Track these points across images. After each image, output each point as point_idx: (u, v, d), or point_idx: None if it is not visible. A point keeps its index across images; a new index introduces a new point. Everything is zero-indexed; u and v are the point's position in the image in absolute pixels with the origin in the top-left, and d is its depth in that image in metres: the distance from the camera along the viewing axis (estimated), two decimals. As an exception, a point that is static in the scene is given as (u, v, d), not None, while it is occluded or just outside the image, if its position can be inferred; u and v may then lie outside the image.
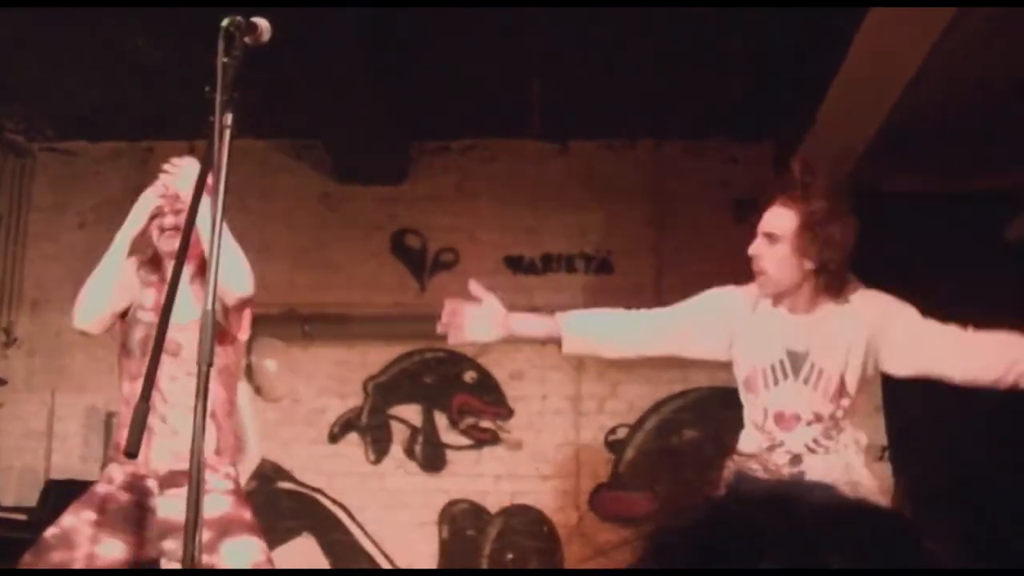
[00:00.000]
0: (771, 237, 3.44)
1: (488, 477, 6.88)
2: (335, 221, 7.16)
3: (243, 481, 6.02)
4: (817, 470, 3.43)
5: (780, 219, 3.43)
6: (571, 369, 6.94)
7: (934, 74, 5.02)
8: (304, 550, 6.80)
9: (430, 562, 6.79)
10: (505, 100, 6.60)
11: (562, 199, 7.00)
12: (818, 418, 3.46)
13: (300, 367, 6.99)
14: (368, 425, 7.00)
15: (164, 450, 3.38)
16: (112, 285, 3.54)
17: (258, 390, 6.89)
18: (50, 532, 3.33)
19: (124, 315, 3.60)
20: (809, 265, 3.41)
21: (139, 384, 3.34)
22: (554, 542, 6.77)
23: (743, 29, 5.50)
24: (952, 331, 3.40)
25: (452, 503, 6.87)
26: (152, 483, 3.37)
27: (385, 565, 6.80)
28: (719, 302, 3.65)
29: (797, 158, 3.59)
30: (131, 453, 2.65)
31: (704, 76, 6.08)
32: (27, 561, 3.29)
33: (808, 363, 3.47)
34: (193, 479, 2.41)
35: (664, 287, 6.87)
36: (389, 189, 7.20)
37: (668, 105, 6.54)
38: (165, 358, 3.35)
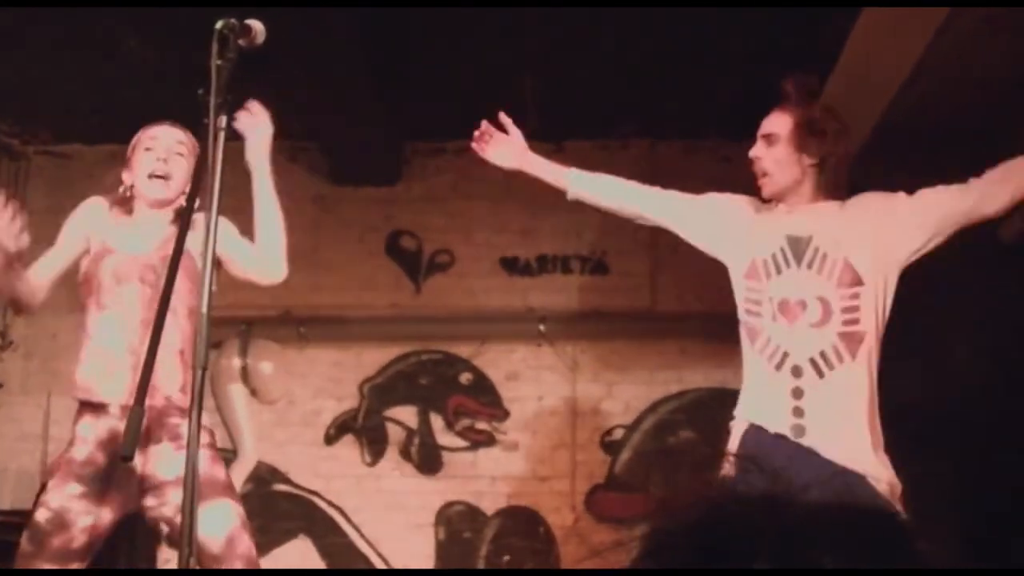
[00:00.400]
0: (770, 138, 3.55)
1: (484, 479, 6.88)
2: (330, 223, 7.15)
3: (239, 484, 6.03)
4: (818, 426, 3.38)
5: (777, 120, 3.56)
6: (567, 370, 6.95)
7: (929, 74, 5.02)
8: (300, 552, 6.80)
9: (426, 564, 6.79)
10: (500, 101, 6.57)
11: (557, 200, 6.94)
12: (825, 308, 3.41)
13: (296, 369, 6.98)
14: (364, 427, 7.00)
15: (129, 381, 3.30)
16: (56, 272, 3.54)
17: (254, 392, 6.89)
18: (42, 516, 3.30)
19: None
20: (808, 160, 3.50)
21: (106, 315, 3.41)
22: (550, 543, 6.78)
23: (737, 29, 5.51)
24: (952, 187, 3.49)
25: (448, 505, 6.87)
26: None
27: (381, 567, 6.80)
28: (723, 201, 3.79)
29: (789, 79, 3.65)
30: (126, 456, 2.66)
31: (698, 76, 6.08)
32: (27, 551, 3.27)
33: (811, 248, 3.46)
34: (188, 486, 2.40)
35: (660, 287, 6.89)
36: (384, 191, 7.20)
37: (662, 105, 6.54)
38: (140, 287, 3.40)
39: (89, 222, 3.56)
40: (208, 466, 3.31)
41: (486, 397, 6.98)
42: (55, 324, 7.06)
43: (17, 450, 6.99)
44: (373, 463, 6.95)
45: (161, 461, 3.34)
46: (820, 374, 3.39)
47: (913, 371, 5.21)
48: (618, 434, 6.90)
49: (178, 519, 2.69)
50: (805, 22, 5.18)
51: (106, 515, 3.31)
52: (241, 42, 2.67)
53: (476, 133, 4.05)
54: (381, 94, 6.15)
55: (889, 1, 4.51)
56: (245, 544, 3.31)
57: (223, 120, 2.58)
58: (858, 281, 3.42)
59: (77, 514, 3.27)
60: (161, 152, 3.54)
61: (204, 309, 2.50)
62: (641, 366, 6.93)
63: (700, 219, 3.76)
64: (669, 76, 6.11)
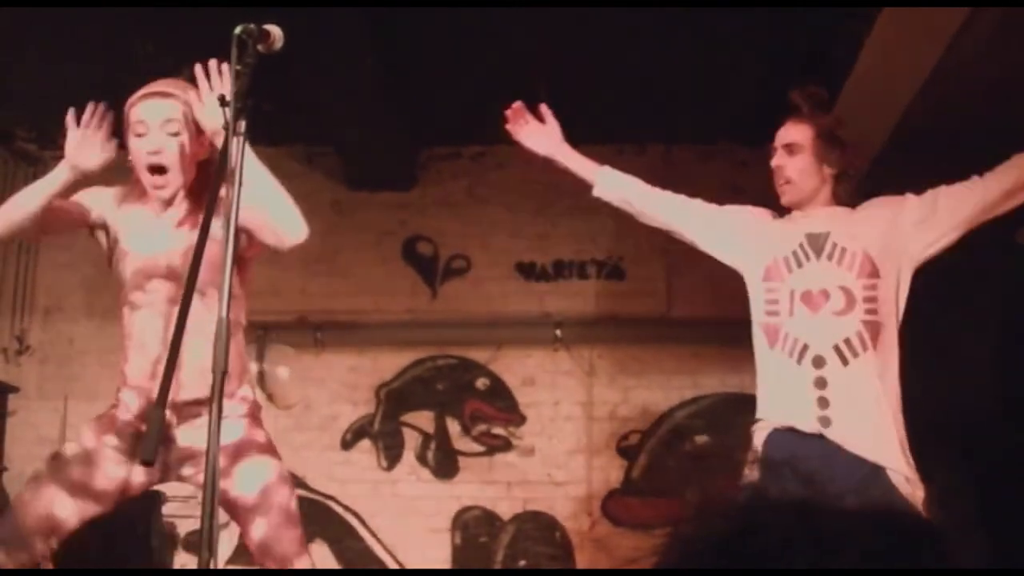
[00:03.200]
0: (791, 147, 3.62)
1: (500, 483, 6.88)
2: (346, 228, 7.16)
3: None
4: (844, 415, 3.42)
5: (797, 130, 3.64)
6: (583, 375, 6.94)
7: (947, 76, 5.00)
8: (317, 557, 6.74)
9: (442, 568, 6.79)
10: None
11: (573, 205, 6.99)
12: (848, 297, 3.49)
13: (312, 374, 6.99)
14: (380, 432, 7.00)
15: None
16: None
17: (270, 397, 6.90)
18: (71, 449, 3.27)
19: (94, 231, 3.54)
20: (829, 170, 3.61)
21: (138, 315, 3.32)
22: (566, 548, 6.77)
23: (752, 34, 5.50)
24: (962, 184, 3.58)
25: (464, 510, 6.86)
26: (169, 414, 3.22)
27: (397, 572, 6.80)
28: (742, 211, 3.85)
29: (795, 91, 3.74)
30: (147, 461, 2.65)
31: (714, 80, 6.07)
32: (44, 473, 3.23)
33: (830, 242, 3.56)
34: (208, 483, 2.39)
35: (676, 292, 6.88)
36: (400, 195, 7.20)
37: (678, 109, 6.53)
38: (164, 283, 3.30)
39: (100, 204, 3.52)
40: (247, 431, 3.30)
41: (502, 402, 6.98)
42: (71, 329, 7.09)
43: (34, 454, 6.99)
44: (389, 468, 6.95)
45: (202, 433, 3.27)
46: (844, 361, 3.46)
47: (928, 373, 5.20)
48: (634, 439, 6.89)
49: (219, 484, 2.68)
50: (820, 27, 5.17)
51: (137, 472, 3.25)
52: (260, 47, 2.67)
53: (509, 112, 4.00)
54: (397, 99, 6.16)
55: (906, 2, 4.49)
56: (283, 495, 3.25)
57: (242, 124, 2.58)
58: (876, 273, 3.50)
59: (106, 460, 3.23)
60: (151, 143, 3.34)
61: (223, 313, 2.50)
62: (657, 371, 6.92)
63: (719, 227, 3.83)
64: (684, 81, 6.10)
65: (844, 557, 0.80)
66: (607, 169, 4.01)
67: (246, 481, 3.21)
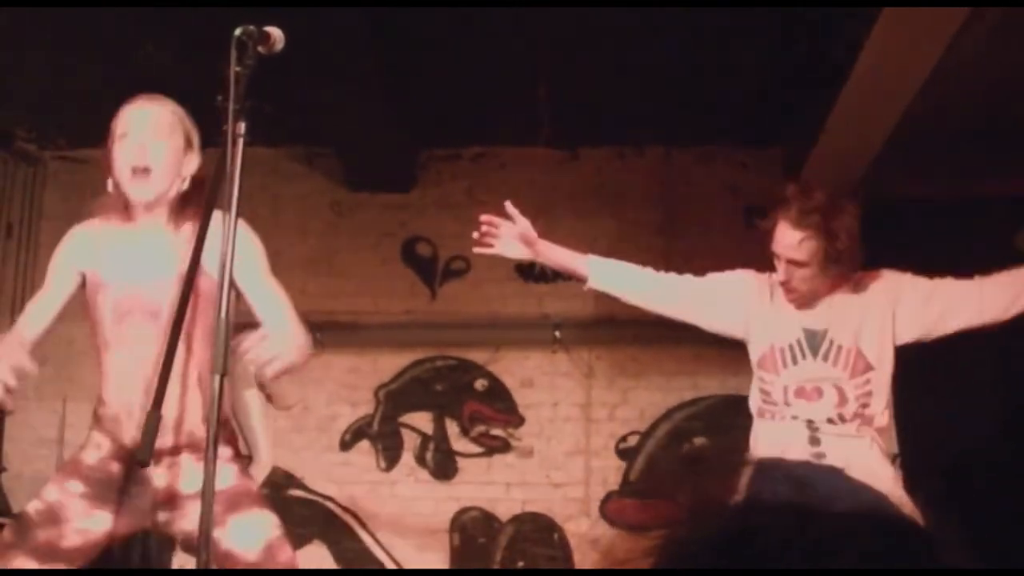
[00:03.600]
0: (797, 264, 3.58)
1: (499, 485, 6.88)
2: (346, 229, 7.16)
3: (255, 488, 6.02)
4: (837, 454, 3.47)
5: (802, 246, 3.55)
6: (581, 376, 6.94)
7: (947, 78, 5.00)
8: (315, 558, 6.79)
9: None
10: (514, 108, 6.60)
11: (572, 207, 6.99)
12: (841, 396, 3.55)
13: (311, 375, 6.98)
14: (379, 433, 7.00)
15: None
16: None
17: (269, 398, 6.88)
18: (32, 507, 3.08)
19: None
20: (833, 270, 3.60)
21: (113, 354, 3.19)
22: (565, 550, 6.77)
23: (752, 35, 5.49)
24: (958, 285, 3.60)
25: (463, 511, 6.86)
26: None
27: (396, 573, 6.80)
28: (740, 284, 3.80)
29: (790, 185, 3.68)
30: (143, 462, 2.64)
31: (713, 82, 6.07)
32: (6, 540, 3.05)
33: (827, 340, 3.60)
34: (207, 502, 2.38)
35: (675, 294, 6.86)
36: (399, 197, 7.20)
37: (677, 112, 6.53)
38: (143, 320, 3.13)
39: (77, 256, 3.29)
40: (238, 478, 3.16)
41: (501, 403, 6.97)
42: (71, 330, 7.03)
43: (32, 455, 7.00)
44: (388, 469, 6.95)
45: (181, 474, 3.12)
46: (835, 424, 3.56)
47: (929, 388, 5.21)
48: (633, 440, 6.89)
49: (196, 531, 2.58)
50: (819, 28, 5.17)
51: (105, 521, 3.07)
52: (260, 49, 2.66)
53: (476, 235, 3.78)
54: (397, 100, 6.16)
55: (905, 2, 4.49)
56: (287, 554, 3.13)
57: (241, 126, 2.57)
58: (869, 367, 3.58)
59: (74, 512, 3.05)
60: (136, 139, 3.18)
61: (223, 315, 2.50)
62: (656, 372, 6.92)
63: (717, 305, 3.83)
64: (684, 82, 6.10)
65: (842, 558, 0.81)
66: (593, 258, 3.91)
67: (246, 536, 3.08)
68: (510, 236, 3.79)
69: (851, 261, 3.59)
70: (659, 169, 7.09)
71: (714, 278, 3.86)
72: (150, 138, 3.18)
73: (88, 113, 6.71)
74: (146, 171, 3.16)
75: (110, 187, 3.25)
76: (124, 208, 3.25)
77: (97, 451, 3.18)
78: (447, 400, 7.02)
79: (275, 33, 2.71)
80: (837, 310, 3.63)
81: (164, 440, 3.00)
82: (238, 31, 2.62)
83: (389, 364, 7.07)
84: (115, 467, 3.14)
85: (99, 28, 5.56)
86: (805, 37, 5.34)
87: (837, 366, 3.57)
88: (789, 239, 3.57)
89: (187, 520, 3.05)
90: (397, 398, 7.03)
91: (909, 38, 4.67)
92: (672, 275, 3.91)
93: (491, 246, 3.78)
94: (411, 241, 7.19)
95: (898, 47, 4.75)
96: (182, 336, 2.80)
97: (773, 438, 3.63)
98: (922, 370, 3.81)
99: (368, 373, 7.06)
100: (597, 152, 7.15)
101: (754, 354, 3.74)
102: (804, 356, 3.61)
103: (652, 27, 5.46)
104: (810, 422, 3.56)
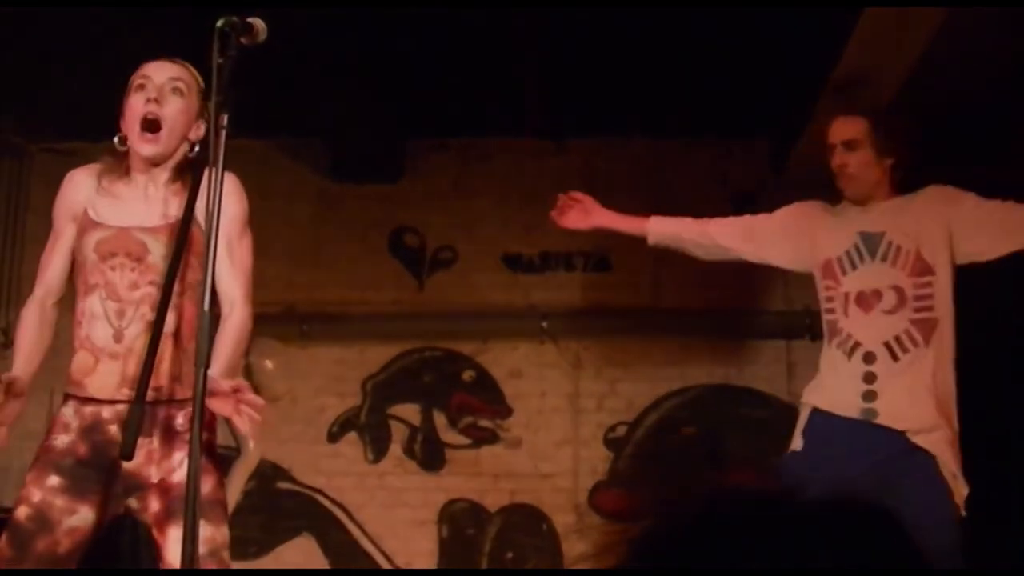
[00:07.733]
0: (850, 144, 3.68)
1: (487, 476, 6.88)
2: (332, 220, 7.15)
3: (242, 482, 6.02)
4: (889, 409, 3.50)
5: (852, 126, 3.71)
6: (569, 367, 6.94)
7: (933, 68, 5.01)
8: (303, 550, 6.80)
9: (429, 561, 6.78)
10: (501, 98, 6.60)
11: (559, 197, 6.98)
12: (900, 296, 3.57)
13: (298, 366, 6.97)
14: (367, 424, 7.00)
15: (115, 374, 3.12)
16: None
17: (256, 389, 6.86)
18: (23, 513, 3.02)
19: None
20: (889, 161, 3.69)
21: (92, 299, 3.14)
22: (553, 540, 6.78)
23: (738, 27, 5.49)
24: (1017, 208, 3.61)
25: (451, 502, 6.87)
26: (114, 428, 3.06)
27: (384, 565, 6.80)
28: (794, 215, 3.91)
29: (838, 81, 3.95)
30: (125, 455, 2.63)
31: (700, 73, 6.06)
32: (7, 555, 2.99)
33: (885, 241, 3.64)
34: (189, 503, 2.37)
35: (662, 283, 6.87)
36: (386, 187, 7.19)
37: (664, 103, 6.52)
38: (127, 262, 3.10)
39: (76, 194, 3.29)
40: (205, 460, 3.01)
41: (489, 394, 6.98)
42: (58, 323, 7.05)
43: (20, 448, 6.90)
44: (376, 460, 6.95)
45: (149, 460, 3.06)
46: (895, 357, 3.55)
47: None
48: (621, 431, 6.89)
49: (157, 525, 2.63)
50: (806, 20, 5.17)
51: (88, 515, 3.02)
52: (243, 40, 2.64)
53: (554, 211, 4.32)
54: (383, 91, 6.15)
55: (890, 1, 4.50)
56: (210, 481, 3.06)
57: (224, 118, 2.56)
58: (929, 270, 3.59)
59: (60, 512, 3.00)
60: (152, 91, 3.15)
61: (206, 307, 2.49)
62: (644, 363, 6.93)
63: (773, 239, 3.92)
64: (670, 73, 6.09)
65: (802, 548, 0.81)
66: (654, 218, 4.10)
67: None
68: (581, 212, 4.23)
69: (907, 159, 3.68)
70: (646, 159, 7.09)
71: (772, 216, 3.97)
72: (167, 90, 3.16)
73: (74, 105, 6.71)
74: (157, 124, 3.12)
75: (117, 144, 3.22)
76: (127, 171, 3.22)
77: (65, 433, 3.15)
78: (435, 391, 7.02)
79: (258, 24, 2.69)
80: (893, 215, 3.67)
81: (132, 394, 2.92)
82: (220, 22, 2.61)
83: (377, 355, 7.06)
84: (83, 449, 3.09)
85: (83, 20, 5.53)
86: (790, 30, 5.33)
87: (896, 266, 3.61)
88: (842, 123, 3.72)
89: (148, 513, 3.03)
90: (385, 389, 7.03)
91: (894, 29, 4.69)
92: (729, 218, 4.04)
93: (564, 221, 4.26)
94: (398, 232, 7.19)
95: (882, 42, 4.77)
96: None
97: (829, 385, 3.66)
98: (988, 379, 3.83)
99: (356, 364, 7.05)
100: (584, 143, 7.14)
101: (816, 269, 3.79)
102: (863, 259, 3.65)
103: (637, 20, 5.46)
104: (867, 374, 3.55)
